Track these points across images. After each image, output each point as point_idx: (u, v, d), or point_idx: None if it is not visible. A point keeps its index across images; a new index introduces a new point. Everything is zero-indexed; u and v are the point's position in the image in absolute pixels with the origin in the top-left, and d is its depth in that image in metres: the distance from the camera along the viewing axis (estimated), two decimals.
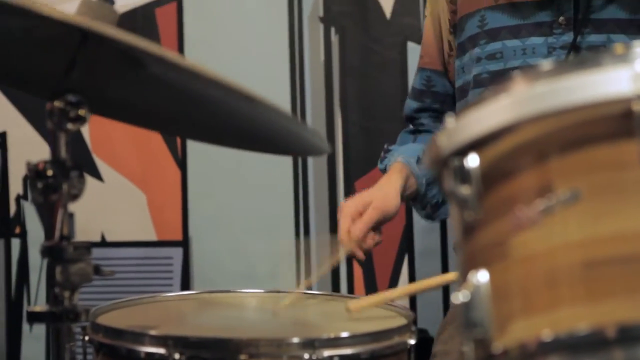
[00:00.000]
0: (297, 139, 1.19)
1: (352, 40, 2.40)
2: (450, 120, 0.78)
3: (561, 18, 1.56)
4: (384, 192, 1.62)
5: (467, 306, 0.72)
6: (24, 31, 1.00)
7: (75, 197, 0.96)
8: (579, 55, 1.53)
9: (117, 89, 1.13)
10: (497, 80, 1.60)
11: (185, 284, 2.39)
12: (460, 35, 1.71)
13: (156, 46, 0.90)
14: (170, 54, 0.92)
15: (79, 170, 0.97)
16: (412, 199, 1.78)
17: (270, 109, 1.00)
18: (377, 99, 2.38)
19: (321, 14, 2.40)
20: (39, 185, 0.95)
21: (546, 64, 0.74)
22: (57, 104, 0.97)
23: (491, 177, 0.75)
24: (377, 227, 1.58)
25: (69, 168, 0.96)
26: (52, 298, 0.95)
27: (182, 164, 2.41)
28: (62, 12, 0.87)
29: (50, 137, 0.99)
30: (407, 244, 2.35)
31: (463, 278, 0.75)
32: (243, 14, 2.42)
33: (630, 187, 0.69)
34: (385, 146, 1.85)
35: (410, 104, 1.88)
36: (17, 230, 2.45)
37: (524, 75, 0.74)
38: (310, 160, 2.38)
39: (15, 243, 2.45)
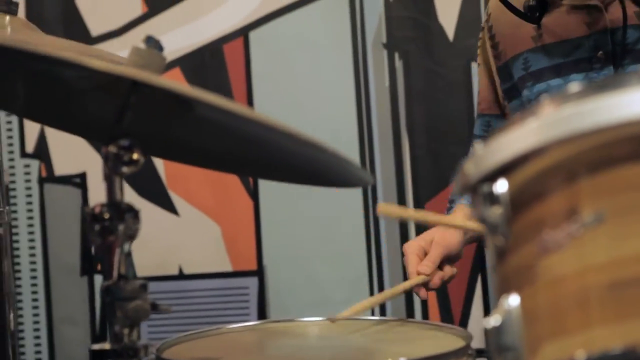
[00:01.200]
0: (346, 172, 1.21)
1: (416, 64, 2.42)
2: (478, 147, 0.79)
3: (600, 52, 1.56)
4: (444, 229, 1.64)
5: (498, 330, 0.73)
6: (79, 80, 1.05)
7: (131, 237, 1.00)
8: (605, 77, 1.52)
9: (172, 131, 1.17)
10: None
11: (262, 313, 2.43)
12: (510, 79, 1.72)
13: (201, 91, 0.93)
14: (217, 98, 0.95)
15: (134, 212, 1.01)
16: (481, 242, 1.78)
17: (321, 149, 1.01)
18: (444, 121, 2.39)
19: (384, 40, 2.43)
20: (97, 228, 0.99)
21: (573, 87, 0.75)
22: (112, 148, 1.01)
23: (519, 201, 0.75)
24: (446, 261, 1.60)
25: (124, 210, 1.00)
26: (112, 336, 0.98)
27: (254, 194, 2.46)
28: (112, 63, 0.92)
29: (107, 181, 1.03)
30: (480, 265, 2.34)
31: (496, 302, 0.76)
32: (308, 44, 2.47)
33: None
34: (450, 198, 1.86)
35: None
36: (99, 267, 2.53)
37: (550, 99, 0.74)
38: (380, 186, 2.40)
39: (98, 280, 2.53)
